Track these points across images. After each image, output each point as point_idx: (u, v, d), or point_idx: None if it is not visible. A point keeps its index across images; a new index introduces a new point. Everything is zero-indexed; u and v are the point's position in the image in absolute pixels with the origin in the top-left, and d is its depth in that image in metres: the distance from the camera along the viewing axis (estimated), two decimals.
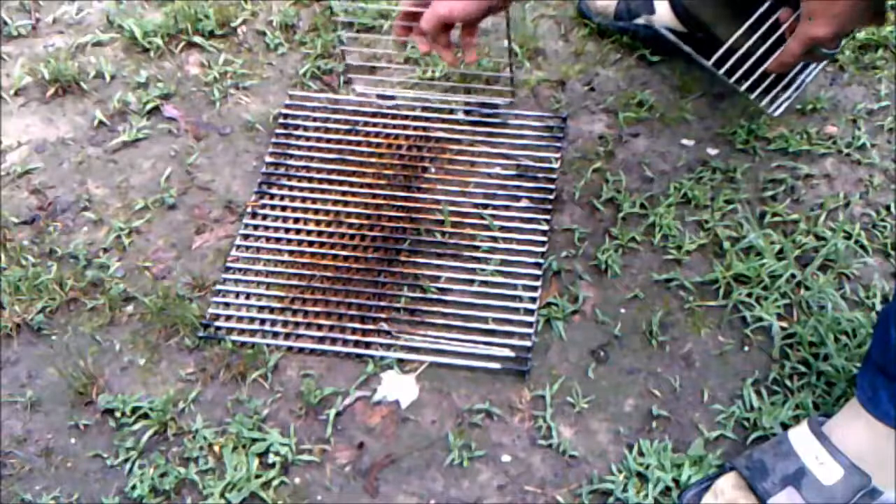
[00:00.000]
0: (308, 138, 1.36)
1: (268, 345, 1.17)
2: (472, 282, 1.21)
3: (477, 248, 1.24)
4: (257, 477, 1.07)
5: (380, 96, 1.39)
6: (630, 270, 1.22)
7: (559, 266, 1.22)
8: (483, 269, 1.22)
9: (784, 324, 1.16)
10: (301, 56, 1.46)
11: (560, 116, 1.36)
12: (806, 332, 1.14)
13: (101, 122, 1.39)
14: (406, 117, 1.38)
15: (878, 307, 1.17)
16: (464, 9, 1.06)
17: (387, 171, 1.32)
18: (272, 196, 1.30)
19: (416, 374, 1.15)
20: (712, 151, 1.33)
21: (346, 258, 1.24)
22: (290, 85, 1.43)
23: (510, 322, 1.18)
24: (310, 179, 1.31)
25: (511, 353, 1.15)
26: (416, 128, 1.36)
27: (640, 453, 1.08)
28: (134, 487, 1.06)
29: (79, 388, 1.13)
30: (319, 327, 1.18)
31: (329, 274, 1.22)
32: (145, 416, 1.12)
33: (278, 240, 1.26)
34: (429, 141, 1.35)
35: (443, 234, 1.26)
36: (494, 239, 1.25)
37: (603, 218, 1.27)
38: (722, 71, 1.14)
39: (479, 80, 1.39)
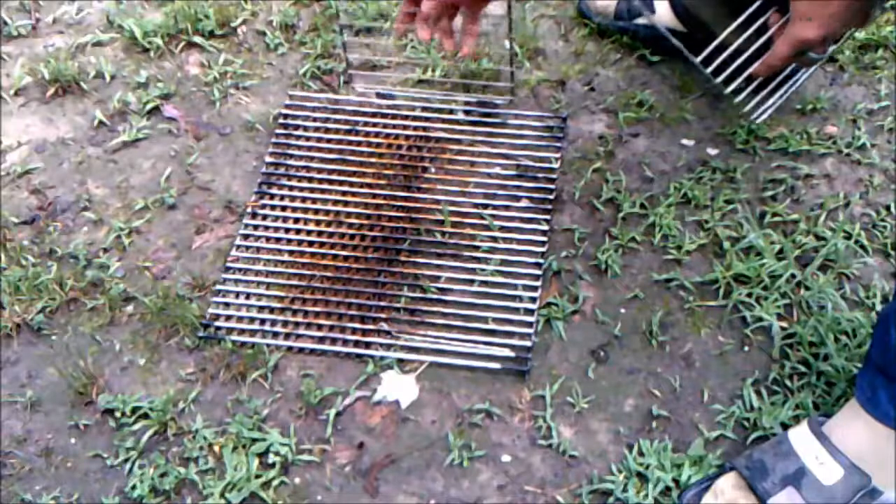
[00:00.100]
0: (308, 138, 1.36)
1: (268, 345, 1.17)
2: (472, 282, 1.21)
3: (477, 248, 1.24)
4: (257, 477, 1.07)
5: (379, 95, 1.39)
6: (630, 270, 1.22)
7: (559, 266, 1.22)
8: (483, 269, 1.22)
9: (784, 324, 1.16)
10: (301, 56, 1.46)
11: (560, 116, 1.36)
12: (806, 332, 1.14)
13: (101, 122, 1.39)
14: (406, 117, 1.38)
15: (878, 307, 1.17)
16: None
17: (387, 171, 1.32)
18: (272, 196, 1.30)
19: (416, 374, 1.15)
20: (712, 151, 1.33)
21: (346, 258, 1.24)
22: (290, 85, 1.43)
23: (510, 322, 1.18)
24: (310, 179, 1.31)
25: (511, 353, 1.15)
26: (416, 128, 1.36)
27: (640, 453, 1.08)
28: (134, 487, 1.06)
29: (79, 388, 1.13)
30: (319, 327, 1.18)
31: (329, 274, 1.22)
32: (145, 416, 1.12)
33: (278, 240, 1.26)
34: (429, 141, 1.35)
35: (443, 234, 1.26)
36: (494, 239, 1.25)
37: (603, 218, 1.27)
38: (710, 69, 1.13)
39: (479, 80, 1.40)
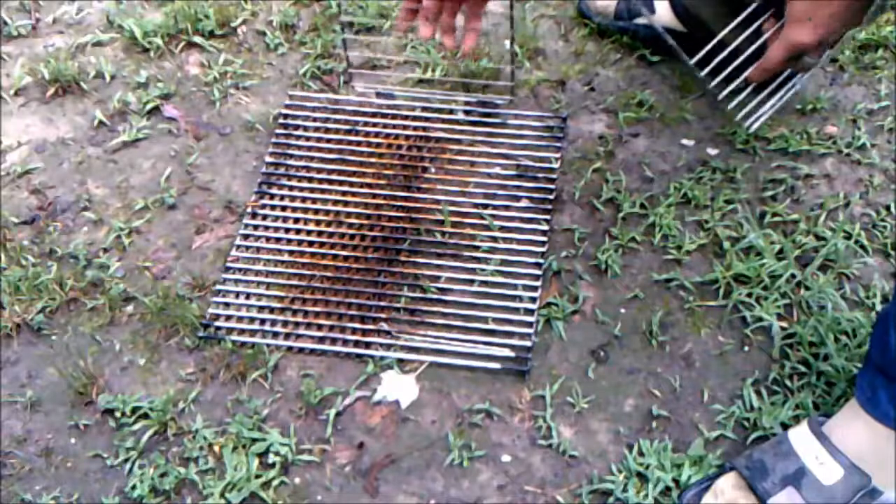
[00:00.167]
0: (308, 138, 1.36)
1: (268, 345, 1.17)
2: (472, 282, 1.21)
3: (477, 248, 1.24)
4: (257, 477, 1.07)
5: (379, 95, 1.39)
6: (630, 270, 1.22)
7: (559, 266, 1.22)
8: (483, 269, 1.22)
9: (784, 324, 1.16)
10: (301, 56, 1.46)
11: (560, 116, 1.36)
12: (806, 332, 1.14)
13: (101, 122, 1.39)
14: (406, 117, 1.38)
15: (878, 307, 1.17)
16: None
17: (387, 171, 1.32)
18: (272, 196, 1.30)
19: (416, 374, 1.15)
20: (712, 151, 1.33)
21: (346, 258, 1.24)
22: (290, 85, 1.43)
23: (510, 322, 1.18)
24: (310, 179, 1.31)
25: (511, 353, 1.15)
26: (416, 128, 1.36)
27: (640, 453, 1.08)
28: (134, 487, 1.06)
29: (79, 388, 1.13)
30: (319, 327, 1.18)
31: (329, 274, 1.22)
32: (145, 416, 1.12)
33: (278, 240, 1.26)
34: (429, 141, 1.35)
35: (443, 234, 1.26)
36: (494, 239, 1.25)
37: (603, 218, 1.27)
38: (705, 72, 1.13)
39: (479, 80, 1.40)
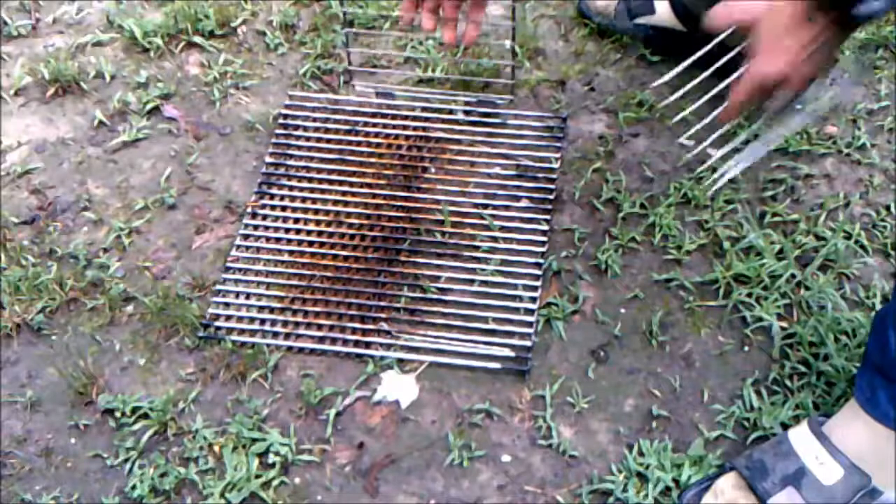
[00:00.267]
0: (308, 138, 1.36)
1: (268, 345, 1.17)
2: (472, 282, 1.21)
3: (477, 248, 1.24)
4: (257, 477, 1.07)
5: (379, 94, 1.39)
6: (630, 270, 1.22)
7: (559, 266, 1.22)
8: (483, 269, 1.22)
9: (784, 324, 1.16)
10: (301, 56, 1.46)
11: (560, 116, 1.36)
12: (806, 332, 1.14)
13: (101, 122, 1.39)
14: (406, 117, 1.38)
15: (878, 307, 1.17)
16: None
17: (387, 171, 1.32)
18: (272, 196, 1.30)
19: (416, 374, 1.15)
20: (712, 151, 1.33)
21: (346, 258, 1.24)
22: (290, 85, 1.43)
23: (510, 322, 1.18)
24: (310, 179, 1.31)
25: (511, 353, 1.15)
26: (416, 128, 1.36)
27: (640, 453, 1.08)
28: (134, 487, 1.06)
29: (79, 388, 1.13)
30: (319, 327, 1.18)
31: (329, 274, 1.22)
32: (145, 416, 1.12)
33: (278, 240, 1.26)
34: (429, 141, 1.35)
35: (443, 234, 1.26)
36: (494, 239, 1.25)
37: (603, 218, 1.27)
38: (682, 139, 1.04)
39: (479, 80, 1.39)
